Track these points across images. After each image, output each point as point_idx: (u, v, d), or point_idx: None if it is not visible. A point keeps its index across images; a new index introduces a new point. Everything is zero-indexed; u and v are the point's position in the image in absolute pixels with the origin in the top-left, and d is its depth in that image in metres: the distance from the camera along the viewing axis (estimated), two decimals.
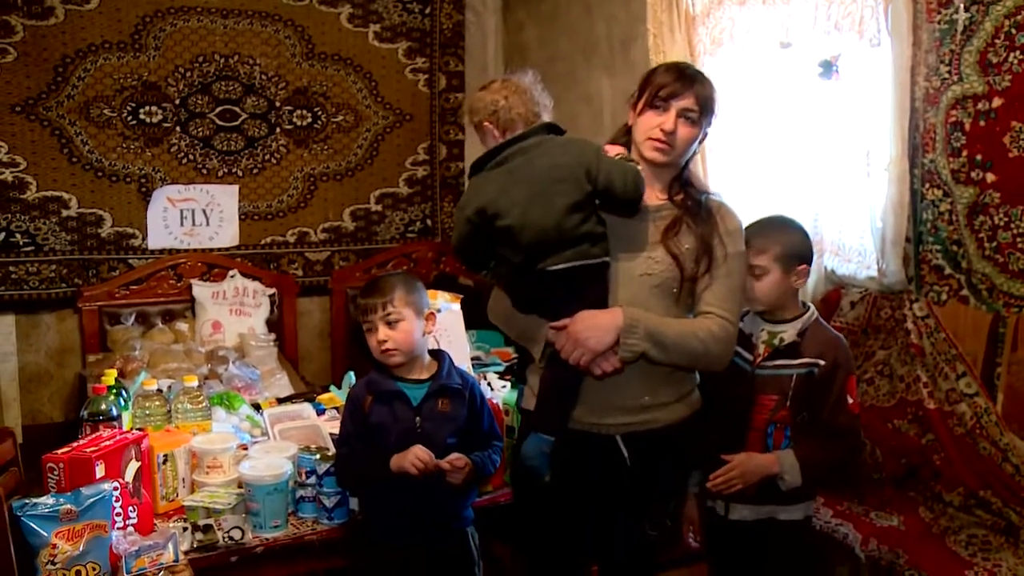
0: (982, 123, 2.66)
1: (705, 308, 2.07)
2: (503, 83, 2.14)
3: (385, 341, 2.17)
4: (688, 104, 2.04)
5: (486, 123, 2.11)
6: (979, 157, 2.68)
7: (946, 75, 2.76)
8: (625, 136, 2.18)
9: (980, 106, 2.66)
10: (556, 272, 1.97)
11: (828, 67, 3.09)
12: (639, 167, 2.05)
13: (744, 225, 2.20)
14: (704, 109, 2.06)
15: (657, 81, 2.06)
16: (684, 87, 2.04)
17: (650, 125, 2.06)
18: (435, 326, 2.27)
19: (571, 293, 1.99)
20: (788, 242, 2.28)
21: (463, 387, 2.26)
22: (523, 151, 2.01)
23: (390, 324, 2.17)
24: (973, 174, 2.70)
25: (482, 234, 2.02)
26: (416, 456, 2.10)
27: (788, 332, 2.27)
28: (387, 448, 2.16)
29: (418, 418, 2.19)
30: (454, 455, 2.14)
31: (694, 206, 2.09)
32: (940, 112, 2.79)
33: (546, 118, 2.16)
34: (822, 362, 2.24)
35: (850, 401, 2.26)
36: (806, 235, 2.36)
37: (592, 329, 1.96)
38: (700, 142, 2.14)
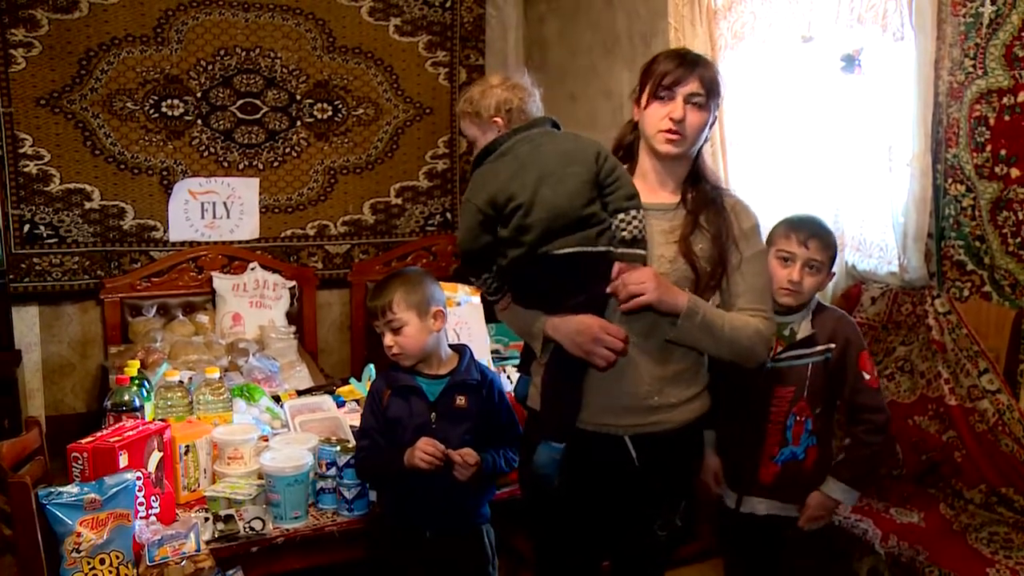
0: (1007, 118, 2.64)
1: (746, 306, 2.04)
2: (507, 82, 2.10)
3: (392, 346, 2.19)
4: (694, 88, 1.99)
5: (496, 120, 2.06)
6: (1003, 152, 2.66)
7: (970, 69, 2.74)
8: (632, 133, 2.14)
9: (1005, 100, 2.65)
10: (560, 257, 1.93)
11: (851, 61, 3.07)
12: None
13: (778, 219, 2.20)
14: (710, 92, 2.01)
15: (659, 70, 2.02)
16: (687, 72, 1.99)
17: (658, 116, 2.01)
18: (444, 323, 2.25)
19: (573, 283, 1.96)
20: (836, 246, 2.32)
21: (481, 383, 2.26)
22: (529, 140, 1.99)
23: (394, 331, 2.19)
24: (997, 169, 2.68)
25: (491, 226, 1.98)
26: (422, 451, 2.10)
27: (798, 323, 2.27)
28: (403, 443, 2.17)
29: (433, 414, 2.20)
30: (466, 450, 2.14)
31: (707, 204, 2.05)
32: (964, 107, 2.77)
33: None
34: (833, 344, 2.25)
35: (867, 377, 2.25)
36: None
37: (665, 285, 1.94)
38: (710, 127, 2.09)
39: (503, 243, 1.98)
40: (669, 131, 2.00)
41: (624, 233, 1.95)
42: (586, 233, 1.94)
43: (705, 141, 2.11)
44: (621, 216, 1.96)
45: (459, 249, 2.10)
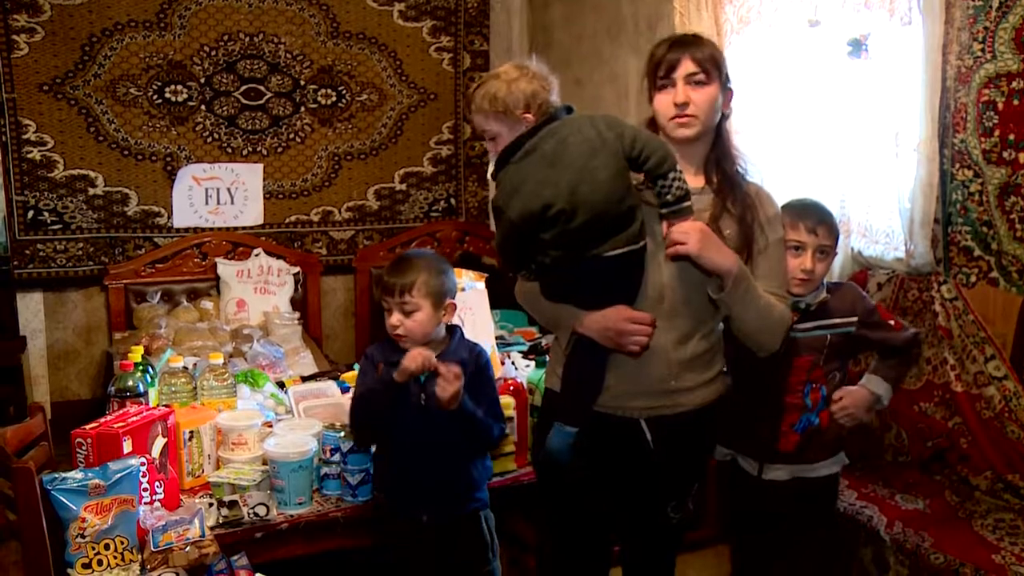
0: (1016, 102, 2.62)
1: (769, 289, 2.05)
2: (527, 72, 2.02)
3: (398, 327, 2.18)
4: (689, 68, 2.00)
5: (527, 115, 1.98)
6: (1012, 137, 2.64)
7: (979, 53, 2.71)
8: (650, 127, 2.13)
9: (1014, 85, 2.62)
10: (609, 259, 1.93)
11: (858, 46, 3.05)
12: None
13: (784, 203, 2.19)
14: (707, 68, 2.01)
15: (654, 61, 2.05)
16: (678, 55, 2.01)
17: (665, 105, 2.04)
18: (453, 316, 2.27)
19: (619, 283, 1.98)
20: (837, 226, 2.33)
21: (468, 359, 2.25)
22: (552, 133, 1.94)
23: (406, 313, 2.17)
24: (1005, 154, 2.66)
25: (530, 236, 1.95)
26: (411, 356, 2.11)
27: (810, 297, 2.27)
28: (394, 417, 2.18)
29: (423, 394, 2.18)
30: (452, 365, 2.13)
31: (733, 187, 2.06)
32: (972, 91, 2.75)
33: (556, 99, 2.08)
34: (855, 318, 2.27)
35: (892, 323, 2.33)
36: None
37: (712, 240, 1.96)
38: (728, 101, 2.08)
39: (546, 244, 1.95)
40: (678, 116, 2.02)
41: (668, 197, 1.95)
42: (630, 231, 1.94)
43: (724, 117, 2.11)
44: (661, 182, 1.95)
45: (496, 249, 2.09)
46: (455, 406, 2.13)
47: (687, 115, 2.01)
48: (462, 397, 2.14)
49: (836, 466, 2.35)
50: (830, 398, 2.29)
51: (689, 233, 1.93)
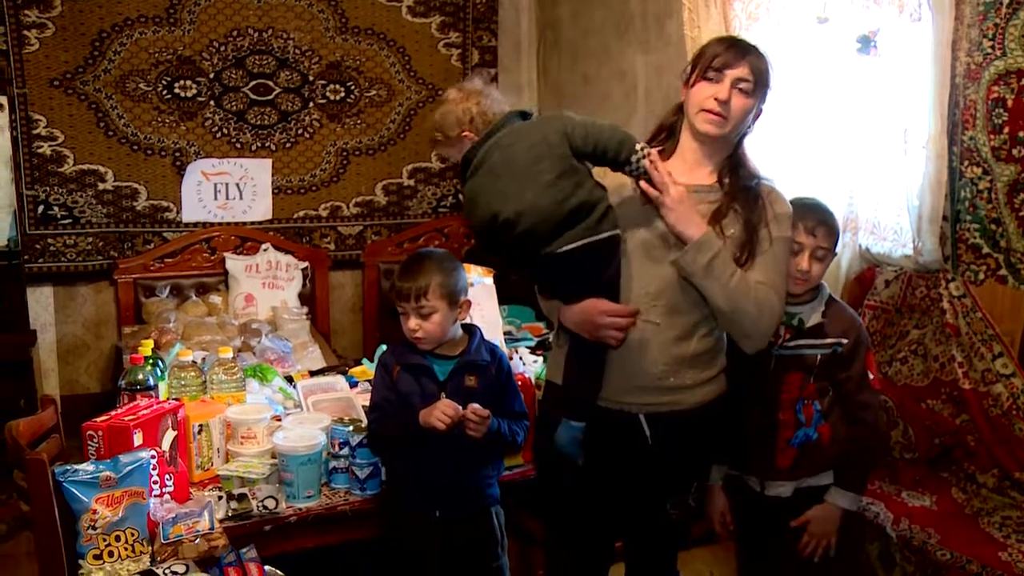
0: None
1: (761, 279, 2.02)
2: (462, 92, 2.09)
3: (416, 330, 2.19)
4: (742, 73, 2.00)
5: (465, 133, 2.05)
6: (1021, 134, 2.64)
7: (989, 50, 2.71)
8: (676, 115, 2.15)
9: None
10: (566, 254, 1.95)
11: (866, 42, 3.04)
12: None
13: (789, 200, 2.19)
14: (758, 81, 2.02)
15: (710, 52, 2.04)
16: (737, 57, 2.01)
17: (703, 96, 2.02)
18: (468, 312, 2.28)
19: (584, 274, 1.98)
20: (839, 228, 2.32)
21: (491, 362, 2.27)
22: (498, 144, 1.99)
23: (423, 316, 2.18)
24: (1015, 151, 2.66)
25: (496, 242, 2.01)
26: (442, 411, 2.11)
27: (807, 313, 2.26)
28: (413, 418, 2.18)
29: (443, 393, 2.20)
30: (473, 405, 2.14)
31: (744, 190, 2.05)
32: (981, 88, 2.74)
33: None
34: (845, 340, 2.24)
35: (871, 377, 2.28)
36: None
37: (687, 207, 1.97)
38: (755, 119, 2.09)
39: (507, 246, 2.00)
40: (712, 111, 2.01)
41: (638, 175, 1.99)
42: (586, 224, 1.95)
43: (748, 132, 2.11)
44: (627, 168, 1.98)
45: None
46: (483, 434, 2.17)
47: (720, 115, 2.01)
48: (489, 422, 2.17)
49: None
50: (826, 412, 2.27)
51: (669, 187, 1.96)
